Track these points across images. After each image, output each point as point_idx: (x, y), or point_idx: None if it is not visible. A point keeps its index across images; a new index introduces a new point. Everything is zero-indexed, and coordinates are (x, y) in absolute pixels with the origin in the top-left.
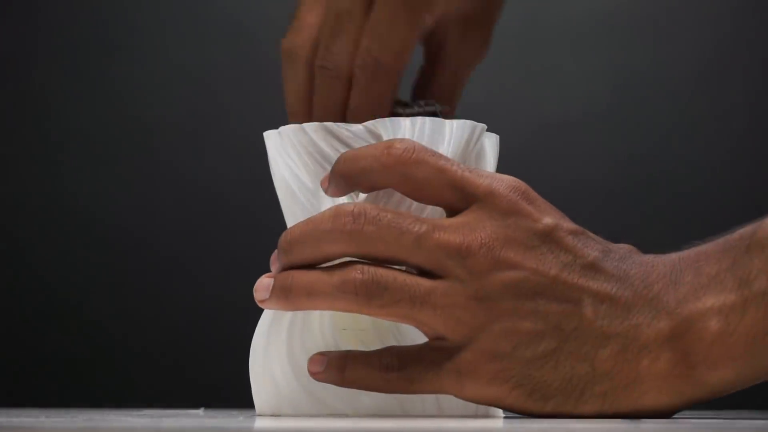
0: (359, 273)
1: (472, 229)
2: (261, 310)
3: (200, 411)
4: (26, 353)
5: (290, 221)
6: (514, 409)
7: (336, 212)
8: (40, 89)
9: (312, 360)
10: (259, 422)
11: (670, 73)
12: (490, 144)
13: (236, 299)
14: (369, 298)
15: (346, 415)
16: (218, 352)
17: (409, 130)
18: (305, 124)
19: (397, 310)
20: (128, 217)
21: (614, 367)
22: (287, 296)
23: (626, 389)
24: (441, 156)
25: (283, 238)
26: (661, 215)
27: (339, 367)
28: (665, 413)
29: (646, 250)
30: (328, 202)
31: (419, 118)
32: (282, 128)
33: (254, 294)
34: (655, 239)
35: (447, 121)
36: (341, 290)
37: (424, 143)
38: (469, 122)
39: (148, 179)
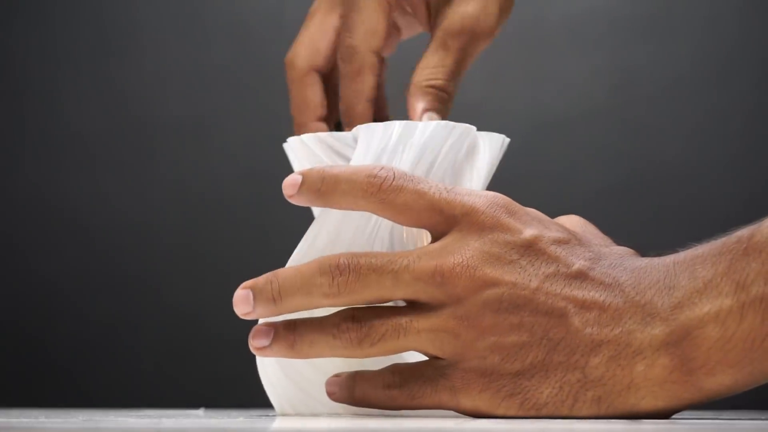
0: (348, 321)
1: (448, 252)
2: None
3: (200, 411)
4: (26, 353)
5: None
6: (509, 418)
7: (321, 266)
8: (41, 89)
9: (328, 382)
10: (259, 422)
11: (669, 73)
12: (489, 144)
13: None
14: (359, 341)
15: (338, 414)
16: (218, 352)
17: (381, 133)
18: (303, 136)
19: (386, 344)
20: (128, 217)
21: (606, 373)
22: (293, 346)
23: (621, 395)
24: (420, 180)
25: (270, 287)
26: (661, 214)
27: (349, 387)
28: (662, 416)
29: (645, 249)
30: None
31: (392, 122)
32: (289, 140)
33: (252, 341)
34: (654, 238)
35: (420, 124)
36: (339, 339)
37: (391, 145)
38: (443, 123)
39: (148, 179)
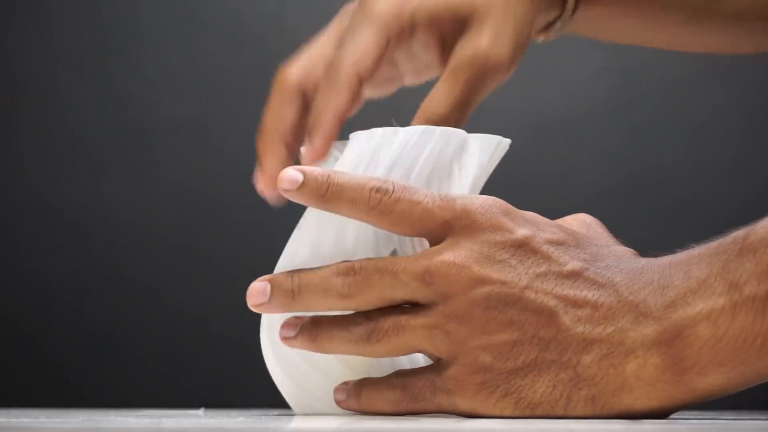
0: (362, 318)
1: (439, 252)
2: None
3: (200, 411)
4: (26, 353)
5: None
6: (505, 418)
7: (338, 268)
8: (40, 89)
9: (336, 390)
10: (259, 422)
11: (669, 73)
12: (481, 146)
13: (235, 300)
14: (368, 338)
15: (342, 413)
16: (218, 352)
17: (364, 140)
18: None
19: (388, 340)
20: (128, 217)
21: (599, 372)
22: (315, 340)
23: (615, 394)
24: (416, 190)
25: (291, 281)
26: (661, 215)
27: (356, 395)
28: (657, 417)
29: (645, 249)
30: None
31: (376, 129)
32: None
33: (281, 330)
34: (653, 239)
35: (402, 130)
36: (352, 334)
37: (369, 151)
38: (423, 128)
39: (148, 179)
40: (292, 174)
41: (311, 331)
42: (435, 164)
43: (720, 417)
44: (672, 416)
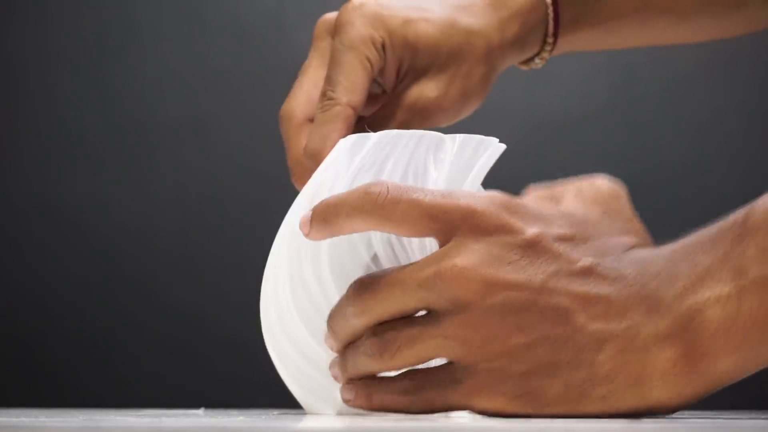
0: (372, 336)
1: (447, 256)
2: (259, 312)
3: (200, 411)
4: (26, 353)
5: None
6: (518, 417)
7: (351, 287)
8: (39, 89)
9: (343, 389)
10: (259, 422)
11: (670, 72)
12: (460, 146)
13: (235, 300)
14: (381, 354)
15: (348, 414)
16: (218, 352)
17: (338, 148)
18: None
19: (403, 354)
20: (128, 217)
21: (614, 369)
22: (345, 370)
23: (630, 389)
24: (415, 189)
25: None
26: (661, 214)
27: (366, 395)
28: (673, 409)
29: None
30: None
31: (350, 136)
32: None
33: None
34: (653, 238)
35: (373, 135)
36: (367, 356)
37: (340, 158)
38: (394, 133)
39: (148, 179)
40: (305, 216)
41: (341, 364)
42: (408, 165)
43: (720, 416)
44: (672, 416)
